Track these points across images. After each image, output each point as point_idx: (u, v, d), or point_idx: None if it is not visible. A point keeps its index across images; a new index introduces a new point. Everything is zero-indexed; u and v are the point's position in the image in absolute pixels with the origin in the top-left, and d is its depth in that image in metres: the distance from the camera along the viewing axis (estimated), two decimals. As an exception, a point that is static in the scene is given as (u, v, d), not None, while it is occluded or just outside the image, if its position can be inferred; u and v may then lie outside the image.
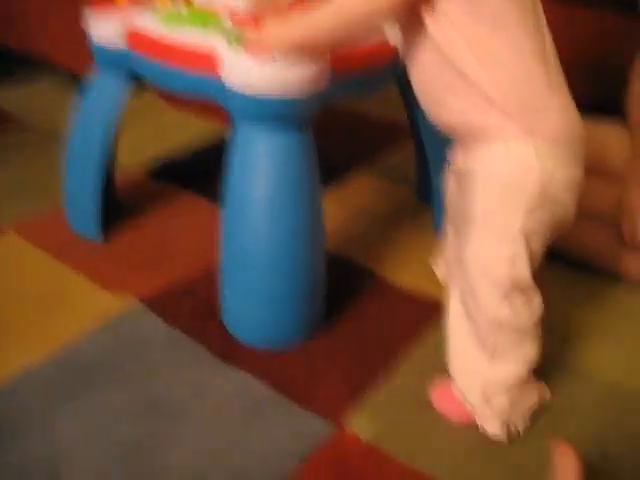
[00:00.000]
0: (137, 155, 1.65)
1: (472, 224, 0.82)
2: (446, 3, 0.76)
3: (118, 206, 1.40)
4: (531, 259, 0.82)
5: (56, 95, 2.00)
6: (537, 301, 0.85)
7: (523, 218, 0.79)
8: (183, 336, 1.07)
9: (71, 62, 1.92)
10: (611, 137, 1.20)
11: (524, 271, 0.81)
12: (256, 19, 0.99)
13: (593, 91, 1.68)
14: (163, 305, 1.13)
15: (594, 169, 1.17)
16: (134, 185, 1.52)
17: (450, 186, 0.92)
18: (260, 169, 0.96)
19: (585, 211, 1.14)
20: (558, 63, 0.82)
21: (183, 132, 1.79)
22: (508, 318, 0.83)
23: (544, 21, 0.81)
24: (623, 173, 1.19)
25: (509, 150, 0.78)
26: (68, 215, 1.33)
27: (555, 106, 0.80)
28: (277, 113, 0.92)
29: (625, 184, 1.17)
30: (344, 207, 1.45)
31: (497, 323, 0.84)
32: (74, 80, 1.88)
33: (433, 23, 0.78)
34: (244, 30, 0.93)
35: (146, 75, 1.09)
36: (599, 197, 1.19)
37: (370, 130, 1.86)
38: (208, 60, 0.94)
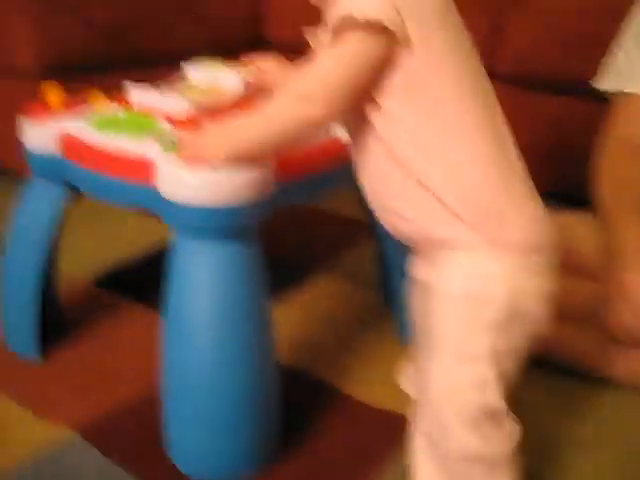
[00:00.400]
0: (84, 262, 1.55)
1: (434, 344, 0.74)
2: (390, 102, 0.70)
3: (60, 319, 1.30)
4: (503, 381, 0.73)
5: None
6: (512, 428, 0.76)
7: (491, 337, 0.71)
8: (120, 470, 0.95)
9: (10, 161, 1.86)
10: (582, 229, 1.15)
11: (495, 397, 0.72)
12: (195, 124, 0.92)
13: (560, 182, 1.65)
14: (101, 434, 1.02)
15: (567, 265, 1.11)
16: (79, 295, 1.43)
17: (414, 297, 0.83)
18: (199, 283, 0.87)
19: (561, 310, 1.08)
20: (521, 164, 0.76)
21: (137, 235, 1.70)
22: (479, 450, 0.74)
23: (504, 124, 0.76)
24: (599, 265, 1.12)
25: (473, 262, 0.71)
26: (4, 332, 1.23)
27: (520, 212, 0.73)
28: (215, 224, 0.84)
29: (604, 274, 1.10)
30: (303, 313, 1.36)
31: (466, 456, 0.74)
32: (14, 180, 1.80)
33: (378, 123, 0.72)
34: (181, 136, 0.87)
35: (78, 184, 1.01)
36: (574, 294, 1.12)
37: (332, 227, 1.80)
38: (142, 168, 0.87)
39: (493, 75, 1.87)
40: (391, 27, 0.67)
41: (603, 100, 1.23)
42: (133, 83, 1.01)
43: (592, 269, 1.13)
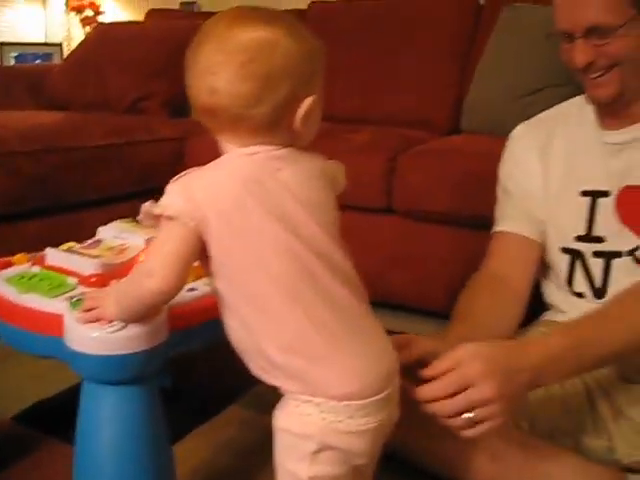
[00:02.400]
0: (8, 399, 1.62)
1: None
2: (213, 270, 0.87)
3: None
4: None
5: None
6: None
7: (305, 465, 0.84)
8: None
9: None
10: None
11: None
12: (100, 282, 1.06)
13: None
14: None
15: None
16: None
17: None
18: (101, 424, 0.98)
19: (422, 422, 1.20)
20: (363, 314, 0.90)
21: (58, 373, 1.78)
22: None
23: (335, 282, 0.87)
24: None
25: (295, 404, 0.85)
26: None
27: (342, 368, 0.85)
28: (113, 372, 0.96)
29: None
30: (211, 445, 1.44)
31: None
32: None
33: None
34: (85, 293, 1.00)
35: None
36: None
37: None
38: (52, 323, 0.99)
39: (391, 211, 2.09)
40: (189, 221, 0.83)
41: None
42: (50, 249, 1.15)
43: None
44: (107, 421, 0.98)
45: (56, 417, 1.56)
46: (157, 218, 0.86)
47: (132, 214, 2.05)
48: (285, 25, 0.86)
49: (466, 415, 0.96)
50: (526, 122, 1.46)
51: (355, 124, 2.46)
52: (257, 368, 0.89)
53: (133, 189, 2.26)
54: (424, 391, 0.98)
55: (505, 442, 1.18)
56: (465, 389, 0.96)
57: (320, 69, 0.89)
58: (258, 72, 0.83)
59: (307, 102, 0.87)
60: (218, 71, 0.84)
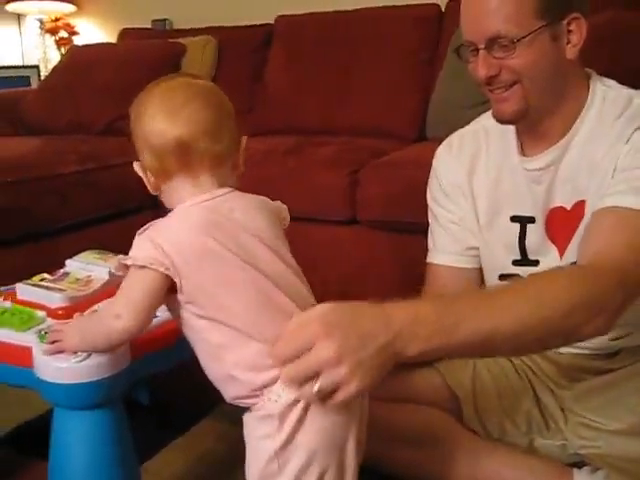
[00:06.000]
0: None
1: None
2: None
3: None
4: None
5: None
6: None
7: None
8: None
9: None
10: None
11: None
12: (66, 315, 1.13)
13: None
14: None
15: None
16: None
17: None
18: (71, 446, 1.06)
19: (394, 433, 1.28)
20: None
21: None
22: None
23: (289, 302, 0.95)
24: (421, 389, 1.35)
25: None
26: None
27: None
28: (78, 398, 1.04)
29: None
30: (186, 457, 1.51)
31: None
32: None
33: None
34: (52, 326, 1.08)
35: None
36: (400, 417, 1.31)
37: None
38: (22, 355, 1.07)
39: (356, 223, 2.16)
40: (158, 267, 0.91)
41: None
42: (20, 284, 1.23)
43: (412, 393, 1.34)
44: (77, 443, 1.06)
45: (37, 438, 1.63)
46: (127, 268, 0.95)
47: (107, 237, 2.15)
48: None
49: (316, 385, 0.85)
50: (448, 143, 1.44)
51: (324, 136, 2.53)
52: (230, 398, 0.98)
53: (108, 211, 2.32)
54: (273, 352, 0.90)
55: (455, 445, 1.26)
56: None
57: None
58: None
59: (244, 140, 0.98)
60: None
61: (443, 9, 2.75)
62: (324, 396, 0.86)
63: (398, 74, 2.68)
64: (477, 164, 1.37)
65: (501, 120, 1.24)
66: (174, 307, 0.98)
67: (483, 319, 0.92)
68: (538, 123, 1.24)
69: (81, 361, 1.01)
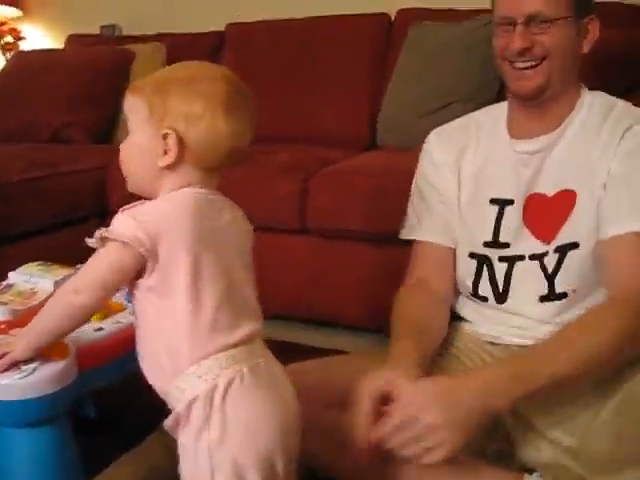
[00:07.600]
0: None
1: None
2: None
3: None
4: None
5: None
6: None
7: None
8: None
9: None
10: (341, 369, 1.36)
11: None
12: (10, 328, 1.11)
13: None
14: None
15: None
16: None
17: None
18: (16, 463, 1.04)
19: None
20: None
21: None
22: None
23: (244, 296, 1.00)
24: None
25: None
26: None
27: None
28: (24, 416, 1.02)
29: None
30: (136, 471, 1.48)
31: None
32: None
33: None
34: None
35: None
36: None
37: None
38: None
39: (305, 231, 2.16)
40: (138, 247, 0.90)
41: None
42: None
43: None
44: (22, 461, 1.04)
45: None
46: (102, 243, 0.94)
47: (55, 246, 2.11)
48: None
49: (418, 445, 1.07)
50: (439, 130, 1.50)
51: (275, 144, 2.52)
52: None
53: (56, 220, 2.28)
54: (377, 430, 1.09)
55: None
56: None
57: None
58: None
59: None
60: None
61: (392, 18, 2.78)
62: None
63: (348, 82, 2.70)
64: (467, 152, 1.43)
65: (524, 95, 1.33)
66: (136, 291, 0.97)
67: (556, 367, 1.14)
68: (543, 104, 1.33)
69: (25, 377, 0.98)
